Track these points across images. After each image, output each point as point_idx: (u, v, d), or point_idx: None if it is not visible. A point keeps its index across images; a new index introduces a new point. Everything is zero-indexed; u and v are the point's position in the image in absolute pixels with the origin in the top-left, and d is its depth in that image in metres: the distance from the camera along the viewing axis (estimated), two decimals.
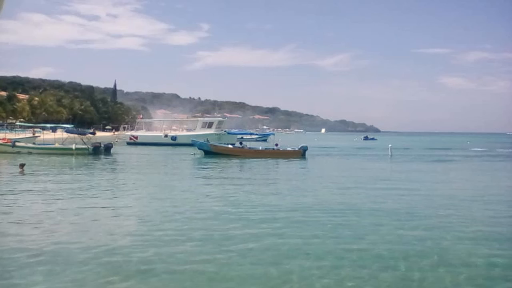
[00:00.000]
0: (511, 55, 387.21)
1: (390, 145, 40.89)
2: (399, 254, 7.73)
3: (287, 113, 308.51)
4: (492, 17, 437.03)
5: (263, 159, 30.89)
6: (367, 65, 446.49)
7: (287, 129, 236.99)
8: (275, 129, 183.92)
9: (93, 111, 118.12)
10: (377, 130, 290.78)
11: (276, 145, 35.91)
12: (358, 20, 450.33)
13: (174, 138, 51.98)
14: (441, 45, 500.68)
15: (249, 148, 35.49)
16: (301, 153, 33.56)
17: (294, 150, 34.42)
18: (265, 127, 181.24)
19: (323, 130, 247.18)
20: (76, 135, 34.76)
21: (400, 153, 41.76)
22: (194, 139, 38.68)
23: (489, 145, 66.99)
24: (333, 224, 10.19)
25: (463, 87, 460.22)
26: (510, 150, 52.51)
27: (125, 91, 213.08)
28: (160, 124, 62.32)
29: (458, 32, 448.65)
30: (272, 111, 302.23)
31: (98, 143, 34.83)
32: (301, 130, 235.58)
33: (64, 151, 32.14)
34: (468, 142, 75.51)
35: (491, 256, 7.76)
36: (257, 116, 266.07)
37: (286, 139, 69.38)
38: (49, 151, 32.82)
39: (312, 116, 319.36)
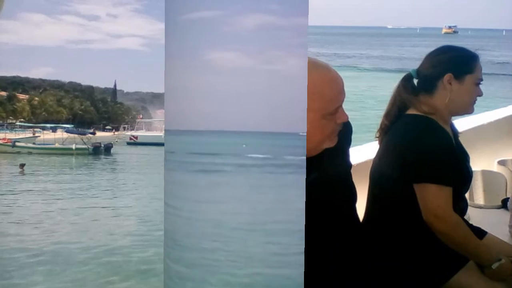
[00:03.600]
0: None
1: None
2: None
3: None
4: None
5: None
6: None
7: None
8: None
9: (93, 111, 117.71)
10: None
11: None
12: None
13: None
14: None
15: None
16: None
17: None
18: None
19: None
20: (76, 135, 34.74)
21: None
22: None
23: None
24: None
25: None
26: None
27: (125, 91, 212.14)
28: (160, 124, 62.17)
29: None
30: None
31: (98, 143, 34.77)
32: None
33: (64, 151, 32.09)
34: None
35: None
36: None
37: None
38: (49, 151, 32.76)
39: None
